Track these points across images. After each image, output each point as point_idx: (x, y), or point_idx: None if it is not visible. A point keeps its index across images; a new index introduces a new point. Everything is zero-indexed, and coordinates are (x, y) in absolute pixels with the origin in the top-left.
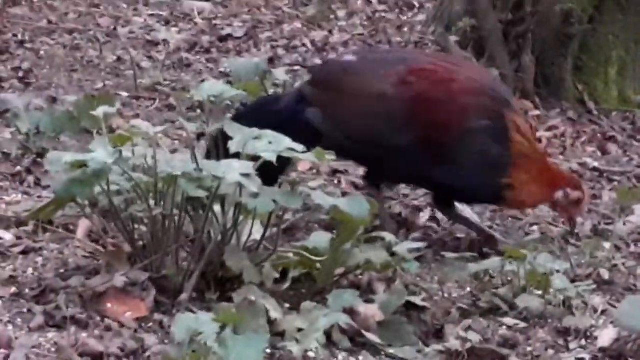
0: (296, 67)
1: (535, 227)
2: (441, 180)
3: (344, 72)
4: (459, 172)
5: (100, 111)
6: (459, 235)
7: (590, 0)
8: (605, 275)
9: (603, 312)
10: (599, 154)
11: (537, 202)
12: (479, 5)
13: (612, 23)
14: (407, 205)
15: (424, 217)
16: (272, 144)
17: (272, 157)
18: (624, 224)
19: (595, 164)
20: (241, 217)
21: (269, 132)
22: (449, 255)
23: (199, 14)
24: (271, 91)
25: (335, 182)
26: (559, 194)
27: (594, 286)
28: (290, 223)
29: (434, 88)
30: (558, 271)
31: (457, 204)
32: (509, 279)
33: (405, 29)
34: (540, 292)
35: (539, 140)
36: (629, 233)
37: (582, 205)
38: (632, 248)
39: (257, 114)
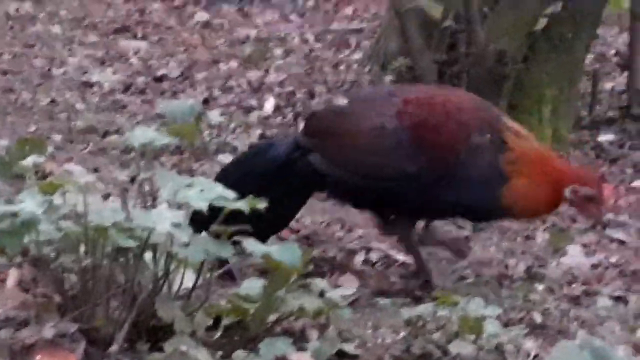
0: (232, 108)
1: (469, 270)
2: (452, 200)
3: (339, 115)
4: (468, 189)
5: (29, 160)
6: (392, 279)
7: (524, 40)
8: (538, 318)
9: (535, 356)
10: None
11: (550, 206)
12: (414, 45)
13: (546, 62)
14: (341, 249)
15: (358, 260)
16: (203, 191)
17: (203, 206)
18: (557, 265)
19: None
20: (173, 266)
21: (200, 180)
22: (383, 300)
23: (135, 53)
24: (206, 132)
25: None
26: (568, 193)
27: (527, 330)
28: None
29: (433, 111)
30: (490, 316)
31: (420, 235)
32: (442, 324)
33: (342, 68)
34: (472, 337)
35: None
36: (562, 275)
37: (599, 200)
38: (565, 290)
39: (251, 163)
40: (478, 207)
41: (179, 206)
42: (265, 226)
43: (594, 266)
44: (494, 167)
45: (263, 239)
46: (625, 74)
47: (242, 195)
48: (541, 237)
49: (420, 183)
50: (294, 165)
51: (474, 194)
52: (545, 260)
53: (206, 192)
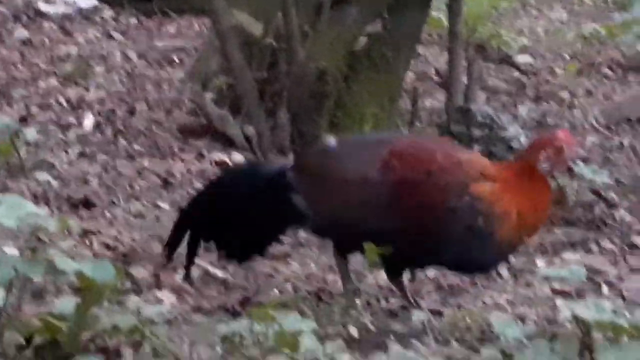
0: (50, 125)
1: (289, 284)
2: (437, 260)
3: (327, 157)
4: (450, 250)
5: None
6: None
7: (344, 58)
8: (355, 333)
9: None
10: None
11: (540, 213)
12: (234, 63)
13: (366, 81)
14: (159, 266)
15: (177, 277)
16: (13, 209)
17: (11, 224)
18: (375, 280)
19: None
20: None
21: (10, 198)
22: (200, 317)
23: None
24: (23, 150)
25: (87, 243)
26: (544, 167)
27: (344, 345)
28: (38, 287)
29: (415, 170)
30: (307, 331)
31: None
32: (259, 339)
33: (164, 86)
34: (289, 352)
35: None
36: (379, 289)
37: (564, 150)
38: (383, 304)
39: (237, 184)
40: (471, 262)
41: None
42: (242, 248)
43: (411, 280)
44: (473, 229)
45: (240, 260)
46: (445, 92)
47: (220, 214)
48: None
49: (396, 241)
50: (275, 196)
51: (459, 254)
52: (364, 275)
53: (16, 209)
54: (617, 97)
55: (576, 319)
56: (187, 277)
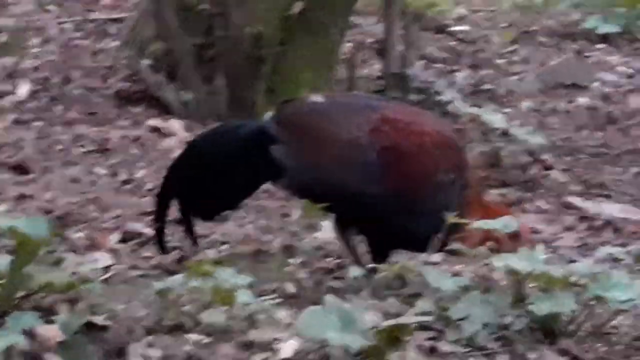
0: None
1: (226, 246)
2: (407, 229)
3: (313, 114)
4: (420, 222)
5: None
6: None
7: (280, 23)
8: (291, 289)
9: (288, 325)
10: None
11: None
12: (170, 29)
13: (302, 46)
14: (95, 228)
15: (113, 239)
16: None
17: None
18: (312, 240)
19: None
20: None
21: None
22: (132, 273)
23: None
24: None
25: (22, 207)
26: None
27: (280, 300)
28: None
29: (408, 139)
30: (242, 286)
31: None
32: (195, 295)
33: (100, 56)
34: (225, 307)
35: None
36: (316, 249)
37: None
38: (320, 264)
39: (216, 142)
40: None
41: None
42: (213, 204)
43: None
44: (452, 208)
45: (209, 216)
46: (382, 60)
47: (206, 169)
48: (297, 214)
49: (377, 206)
50: (253, 150)
51: (429, 228)
52: (301, 236)
53: None
54: (552, 63)
55: (509, 271)
56: (194, 243)
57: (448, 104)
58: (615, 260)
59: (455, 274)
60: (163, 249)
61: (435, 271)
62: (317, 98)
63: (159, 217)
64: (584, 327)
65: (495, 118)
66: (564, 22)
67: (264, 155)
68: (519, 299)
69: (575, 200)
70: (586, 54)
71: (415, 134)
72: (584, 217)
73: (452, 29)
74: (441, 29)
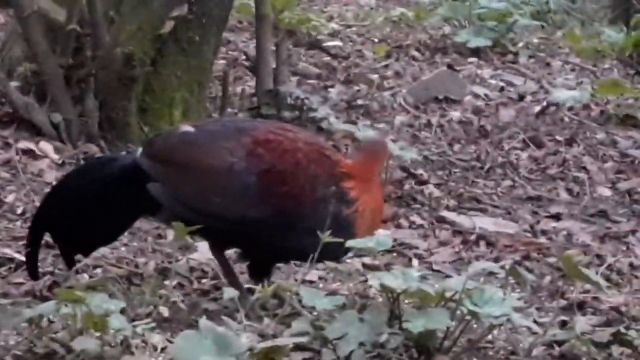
0: None
1: (99, 270)
2: (294, 247)
3: (184, 144)
4: (312, 239)
5: None
6: (18, 280)
7: (152, 43)
8: (165, 312)
9: (163, 349)
10: None
11: (381, 212)
12: (38, 49)
13: (175, 65)
14: None
15: None
16: None
17: None
18: (187, 261)
19: None
20: None
21: None
22: (2, 301)
23: None
24: None
25: None
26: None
27: (154, 324)
28: None
29: (282, 159)
30: (115, 311)
31: None
32: (67, 321)
33: None
34: (98, 334)
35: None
36: (191, 270)
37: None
38: (195, 285)
39: (89, 177)
40: (328, 253)
41: None
42: (87, 239)
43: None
44: (338, 219)
45: (84, 251)
46: (255, 77)
47: (79, 204)
48: (172, 235)
49: (261, 229)
50: (128, 186)
51: (314, 242)
52: (176, 257)
53: None
54: (425, 77)
55: (384, 289)
56: (34, 275)
57: (322, 120)
58: (489, 274)
59: (332, 292)
60: (34, 274)
61: (311, 290)
62: (187, 128)
63: (31, 243)
64: (460, 343)
65: (368, 134)
66: (436, 36)
67: (138, 191)
68: (395, 317)
69: (450, 215)
70: (458, 67)
71: (289, 152)
72: (458, 232)
73: (326, 44)
74: (314, 45)
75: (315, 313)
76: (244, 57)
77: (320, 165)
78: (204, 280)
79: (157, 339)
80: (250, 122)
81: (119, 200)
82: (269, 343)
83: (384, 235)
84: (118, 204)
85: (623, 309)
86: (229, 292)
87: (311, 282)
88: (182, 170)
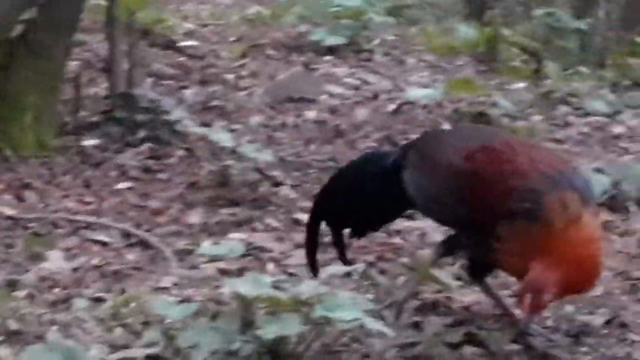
0: None
1: None
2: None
3: (436, 140)
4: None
5: None
6: None
7: (1, 47)
8: (14, 325)
9: None
10: (15, 201)
11: None
12: None
13: (25, 69)
14: None
15: None
16: None
17: None
18: (37, 271)
19: (11, 212)
20: None
21: None
22: None
23: None
24: None
25: None
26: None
27: (2, 338)
28: None
29: (489, 167)
30: None
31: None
32: None
33: None
34: None
35: None
36: (41, 281)
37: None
38: (45, 295)
39: (364, 169)
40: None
41: None
42: (364, 224)
43: (75, 270)
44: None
45: (360, 234)
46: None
47: (353, 194)
48: (22, 245)
49: (466, 228)
50: (394, 177)
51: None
52: (25, 268)
53: None
54: (281, 77)
55: (237, 296)
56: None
57: (176, 123)
58: (345, 276)
59: (186, 299)
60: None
61: (163, 298)
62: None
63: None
64: (313, 347)
65: (222, 136)
66: (292, 35)
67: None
68: (248, 323)
69: (305, 217)
70: (314, 66)
71: (498, 163)
72: None
73: (181, 44)
74: (169, 45)
75: (168, 321)
76: (97, 58)
77: (523, 180)
78: (54, 290)
79: (4, 353)
80: (503, 134)
81: (388, 190)
82: (120, 354)
83: (236, 242)
84: (387, 193)
85: (475, 308)
86: (81, 303)
87: (165, 288)
88: (424, 162)
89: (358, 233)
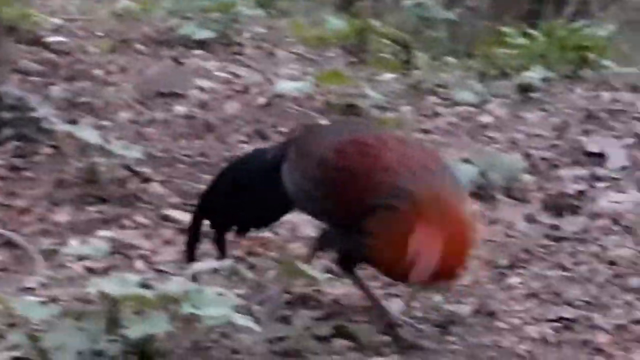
0: None
1: None
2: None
3: (313, 135)
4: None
5: None
6: None
7: None
8: None
9: None
10: None
11: None
12: None
13: None
14: None
15: None
16: None
17: None
18: None
19: None
20: None
21: None
22: None
23: None
24: None
25: None
26: None
27: None
28: None
29: (357, 161)
30: None
31: None
32: None
33: None
34: None
35: None
36: None
37: None
38: None
39: (248, 166)
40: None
41: None
42: (249, 222)
43: None
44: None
45: (244, 232)
46: None
47: (237, 190)
48: None
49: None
50: (275, 174)
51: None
52: None
53: None
54: (150, 72)
55: (103, 295)
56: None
57: (42, 120)
58: (213, 272)
59: (53, 299)
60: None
61: (27, 299)
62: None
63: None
64: (183, 345)
65: (89, 134)
66: (161, 29)
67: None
68: (114, 323)
69: (174, 213)
70: (183, 60)
71: (367, 157)
72: (182, 230)
73: (48, 39)
74: (36, 41)
75: (31, 324)
76: None
77: (388, 175)
78: None
79: None
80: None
81: (270, 186)
82: None
83: (101, 242)
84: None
85: (345, 301)
86: None
87: (31, 289)
88: (300, 155)
89: (243, 231)
